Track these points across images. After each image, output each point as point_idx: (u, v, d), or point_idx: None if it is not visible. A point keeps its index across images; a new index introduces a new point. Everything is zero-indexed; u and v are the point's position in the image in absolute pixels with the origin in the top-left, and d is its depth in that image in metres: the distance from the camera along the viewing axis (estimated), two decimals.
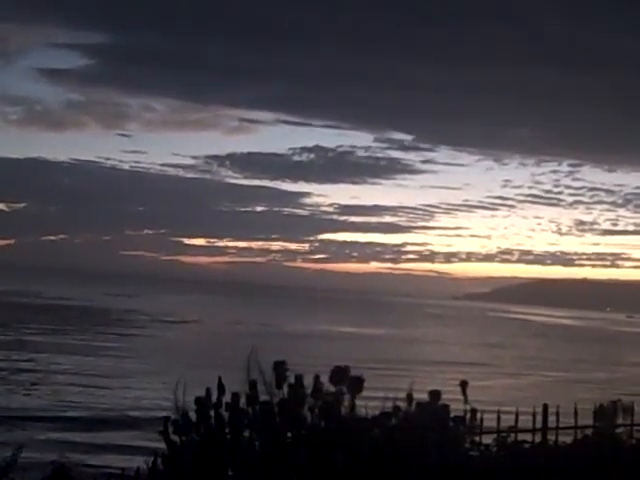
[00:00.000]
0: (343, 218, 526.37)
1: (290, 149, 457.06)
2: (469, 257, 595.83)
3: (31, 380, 35.38)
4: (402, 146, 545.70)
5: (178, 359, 43.88)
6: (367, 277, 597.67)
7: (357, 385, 6.80)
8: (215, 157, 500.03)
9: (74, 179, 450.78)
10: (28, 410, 27.89)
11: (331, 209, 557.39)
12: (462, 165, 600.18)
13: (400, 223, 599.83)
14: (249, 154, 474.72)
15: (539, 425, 8.31)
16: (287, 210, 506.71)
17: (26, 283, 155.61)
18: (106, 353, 49.08)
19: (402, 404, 6.94)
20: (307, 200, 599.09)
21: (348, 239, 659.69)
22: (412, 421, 6.79)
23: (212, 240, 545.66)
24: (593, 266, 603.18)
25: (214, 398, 6.94)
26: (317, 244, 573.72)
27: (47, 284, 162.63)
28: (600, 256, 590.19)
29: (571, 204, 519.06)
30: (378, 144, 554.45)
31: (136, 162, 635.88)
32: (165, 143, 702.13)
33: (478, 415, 7.17)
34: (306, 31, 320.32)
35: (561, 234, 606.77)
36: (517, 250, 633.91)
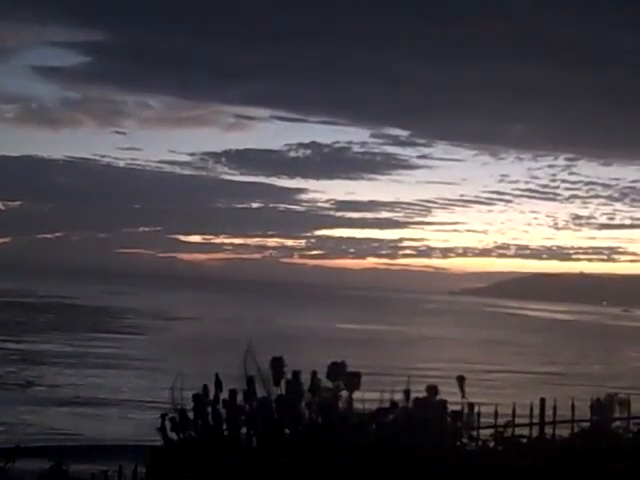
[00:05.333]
0: (340, 214, 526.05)
1: (286, 145, 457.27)
2: (466, 252, 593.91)
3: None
4: (398, 141, 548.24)
5: (175, 361, 41.43)
6: (364, 273, 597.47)
7: (354, 381, 6.81)
8: (211, 154, 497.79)
9: (70, 177, 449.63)
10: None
11: (327, 205, 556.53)
12: (458, 160, 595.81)
13: (397, 219, 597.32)
14: (245, 150, 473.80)
15: (536, 419, 8.30)
16: (283, 206, 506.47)
17: (22, 281, 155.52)
18: (98, 361, 45.63)
19: (400, 400, 6.94)
20: (303, 196, 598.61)
21: (345, 235, 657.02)
22: (410, 416, 6.79)
23: (208, 237, 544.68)
24: (589, 260, 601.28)
25: (211, 395, 6.94)
26: (313, 240, 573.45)
27: (43, 282, 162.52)
28: (596, 250, 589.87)
29: (567, 198, 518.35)
30: (374, 140, 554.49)
31: (132, 159, 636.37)
32: (161, 140, 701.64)
33: (475, 410, 7.17)
34: (303, 28, 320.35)
35: (558, 228, 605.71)
36: (514, 245, 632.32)
